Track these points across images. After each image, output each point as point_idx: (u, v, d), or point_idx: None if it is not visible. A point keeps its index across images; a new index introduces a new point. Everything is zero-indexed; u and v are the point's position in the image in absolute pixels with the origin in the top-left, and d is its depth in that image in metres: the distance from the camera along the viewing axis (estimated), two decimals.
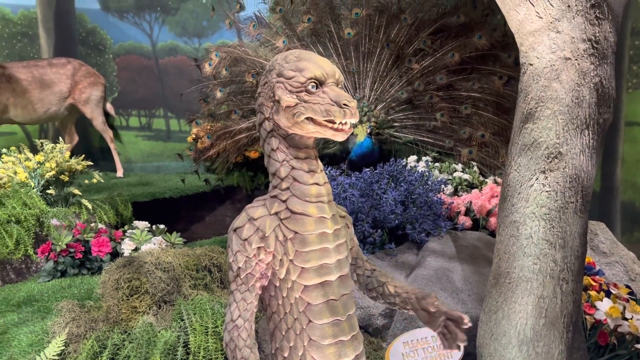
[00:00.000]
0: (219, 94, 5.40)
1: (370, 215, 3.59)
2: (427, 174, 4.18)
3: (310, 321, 1.75)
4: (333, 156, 5.70)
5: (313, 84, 1.65)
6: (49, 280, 3.20)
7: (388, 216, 3.64)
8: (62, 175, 4.44)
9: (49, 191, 4.35)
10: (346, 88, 5.48)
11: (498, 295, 2.26)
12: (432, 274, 3.19)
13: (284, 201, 1.77)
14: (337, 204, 2.05)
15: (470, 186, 4.73)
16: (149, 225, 4.20)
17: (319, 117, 1.63)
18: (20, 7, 6.49)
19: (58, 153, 4.35)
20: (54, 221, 4.01)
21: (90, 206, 4.34)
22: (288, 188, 1.76)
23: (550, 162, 2.20)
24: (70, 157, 4.81)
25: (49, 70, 5.70)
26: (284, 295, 1.77)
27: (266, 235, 1.75)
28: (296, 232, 1.74)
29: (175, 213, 5.85)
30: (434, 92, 5.29)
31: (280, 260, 1.76)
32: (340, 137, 1.68)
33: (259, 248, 1.75)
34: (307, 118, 1.64)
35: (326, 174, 3.94)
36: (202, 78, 5.41)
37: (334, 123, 1.64)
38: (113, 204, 4.63)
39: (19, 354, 2.16)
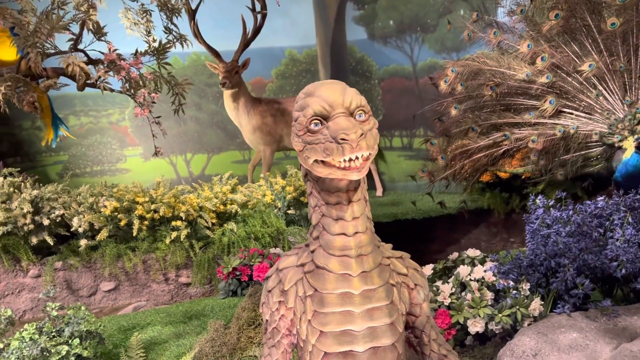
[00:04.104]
0: (454, 111, 5.08)
1: (580, 260, 2.78)
2: None
3: None
4: (597, 176, 4.65)
5: (316, 121, 1.43)
6: (223, 298, 3.61)
7: (609, 263, 2.75)
8: (302, 197, 4.93)
9: (289, 211, 4.90)
10: (612, 91, 4.40)
11: None
12: None
13: (312, 252, 1.59)
14: (404, 257, 1.71)
15: None
16: None
17: (321, 158, 1.41)
18: (304, 47, 7.52)
19: (293, 178, 4.86)
20: (290, 238, 4.49)
21: None
22: (318, 237, 1.57)
23: None
24: None
25: None
26: (307, 359, 1.59)
27: (285, 289, 1.61)
28: (316, 289, 1.55)
29: (420, 235, 5.76)
30: None
31: (300, 319, 1.59)
32: (355, 176, 1.42)
33: (279, 302, 1.63)
34: (317, 160, 1.44)
35: (537, 202, 3.29)
36: (438, 97, 5.18)
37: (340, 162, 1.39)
38: None
39: None
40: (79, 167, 7.62)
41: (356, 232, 1.52)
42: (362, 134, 1.36)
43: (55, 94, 5.67)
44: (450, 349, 1.69)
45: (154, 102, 4.59)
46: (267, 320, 1.66)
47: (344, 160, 1.37)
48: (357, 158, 1.37)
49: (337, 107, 1.41)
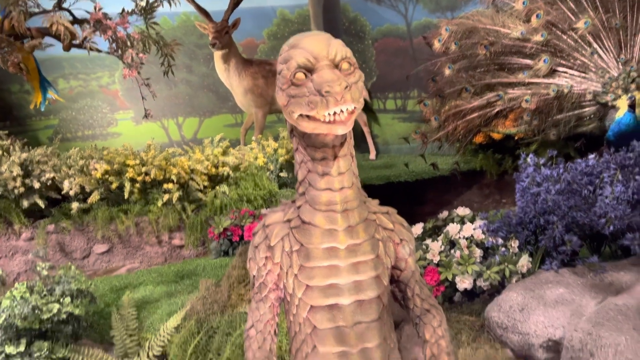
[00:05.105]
0: (447, 71, 5.02)
1: (569, 217, 2.80)
2: None
3: (314, 346, 1.54)
4: (590, 136, 4.64)
5: (300, 74, 1.40)
6: (215, 258, 3.66)
7: (598, 220, 2.77)
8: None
9: (281, 174, 4.89)
10: (607, 49, 4.35)
11: None
12: (634, 306, 2.30)
13: (299, 208, 1.58)
14: (391, 213, 1.70)
15: None
16: None
17: (306, 112, 1.38)
18: (296, 6, 7.36)
19: (286, 140, 4.83)
20: (283, 201, 4.50)
21: None
22: (304, 193, 1.56)
23: None
24: None
25: None
26: (294, 312, 1.62)
27: (272, 244, 1.61)
28: (302, 244, 1.55)
29: (413, 197, 5.78)
30: None
31: (287, 273, 1.59)
32: (340, 130, 1.40)
33: (266, 257, 1.63)
34: (301, 115, 1.41)
35: (527, 160, 3.28)
36: (431, 56, 5.12)
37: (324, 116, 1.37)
38: None
39: (157, 321, 2.58)
40: (70, 131, 7.55)
41: (342, 188, 1.50)
42: (347, 87, 1.33)
43: (43, 57, 5.56)
44: (435, 304, 1.70)
45: (142, 64, 4.51)
46: (254, 276, 1.66)
47: (329, 114, 1.34)
48: (342, 111, 1.34)
49: (322, 59, 1.37)
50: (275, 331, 1.68)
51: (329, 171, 1.49)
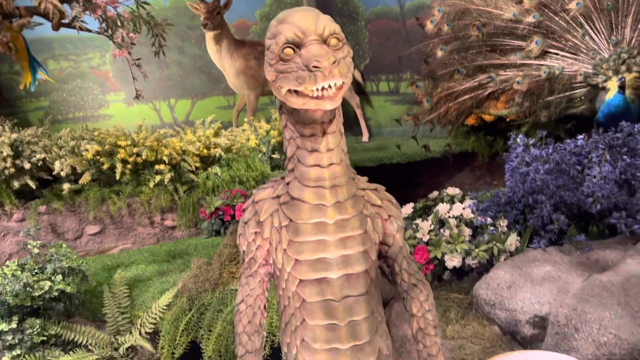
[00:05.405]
0: (440, 53, 5.01)
1: (557, 196, 2.83)
2: None
3: (303, 319, 1.57)
4: (580, 118, 4.67)
5: (289, 49, 1.40)
6: (207, 238, 3.68)
7: (585, 199, 2.80)
8: None
9: (274, 156, 4.89)
10: (598, 31, 4.35)
11: None
12: (618, 283, 2.34)
13: (288, 184, 1.60)
14: (379, 189, 1.72)
15: None
16: None
17: (294, 87, 1.39)
18: None
19: (278, 122, 4.82)
20: (272, 178, 4.51)
21: None
22: (293, 170, 1.58)
23: None
24: None
25: None
26: (283, 287, 1.64)
27: (261, 220, 1.63)
28: (291, 220, 1.57)
29: (405, 179, 5.80)
30: None
31: (276, 248, 1.61)
32: (328, 105, 1.41)
33: (255, 233, 1.65)
34: (290, 90, 1.42)
35: (517, 141, 3.30)
36: (424, 38, 5.10)
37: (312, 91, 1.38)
38: None
39: (149, 299, 2.60)
40: (61, 112, 7.48)
41: (331, 164, 1.52)
42: (335, 62, 1.34)
43: (33, 37, 5.48)
44: (422, 279, 1.73)
45: (133, 44, 4.47)
46: (244, 251, 1.68)
47: (317, 89, 1.35)
48: (330, 87, 1.35)
49: (310, 34, 1.38)
50: (265, 306, 1.71)
51: (317, 147, 1.51)
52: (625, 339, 2.15)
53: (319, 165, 1.52)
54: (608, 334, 2.18)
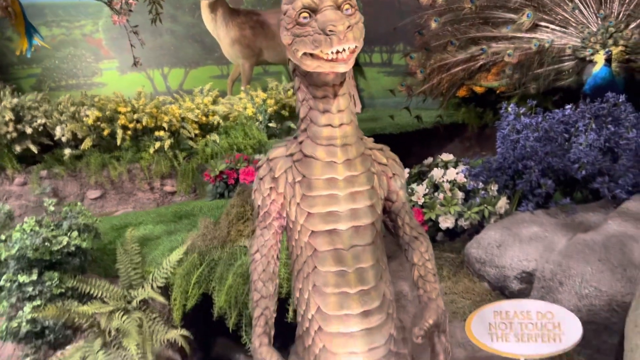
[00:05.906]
0: (433, 25, 5.10)
1: (545, 162, 3.00)
2: None
3: (315, 267, 1.71)
4: (567, 90, 4.82)
5: (305, 14, 1.51)
6: (211, 200, 3.82)
7: (571, 165, 2.98)
8: (283, 111, 5.01)
9: (270, 124, 5.00)
10: (587, 4, 4.47)
11: None
12: (599, 241, 2.53)
13: (301, 143, 1.72)
14: (385, 149, 1.87)
15: None
16: None
17: (310, 50, 1.51)
18: None
19: (274, 91, 4.91)
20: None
21: None
22: (305, 129, 1.70)
23: None
24: None
25: None
26: (296, 238, 1.77)
27: (276, 176, 1.75)
28: (304, 176, 1.69)
29: (397, 149, 5.92)
30: None
31: (290, 202, 1.74)
32: (342, 68, 1.54)
33: (270, 188, 1.77)
34: (305, 53, 1.53)
35: (509, 109, 3.45)
36: (418, 9, 5.17)
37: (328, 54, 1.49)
38: None
39: (159, 256, 2.74)
40: (54, 80, 7.46)
41: (342, 124, 1.65)
42: (349, 26, 1.45)
43: (25, 3, 5.44)
44: (422, 232, 1.87)
45: (131, 10, 4.50)
46: (259, 205, 1.80)
47: (332, 52, 1.46)
48: (344, 50, 1.47)
49: (325, 0, 1.49)
50: (277, 256, 1.85)
51: (329, 108, 1.63)
52: (604, 291, 2.35)
53: (330, 125, 1.64)
54: (589, 287, 2.38)
